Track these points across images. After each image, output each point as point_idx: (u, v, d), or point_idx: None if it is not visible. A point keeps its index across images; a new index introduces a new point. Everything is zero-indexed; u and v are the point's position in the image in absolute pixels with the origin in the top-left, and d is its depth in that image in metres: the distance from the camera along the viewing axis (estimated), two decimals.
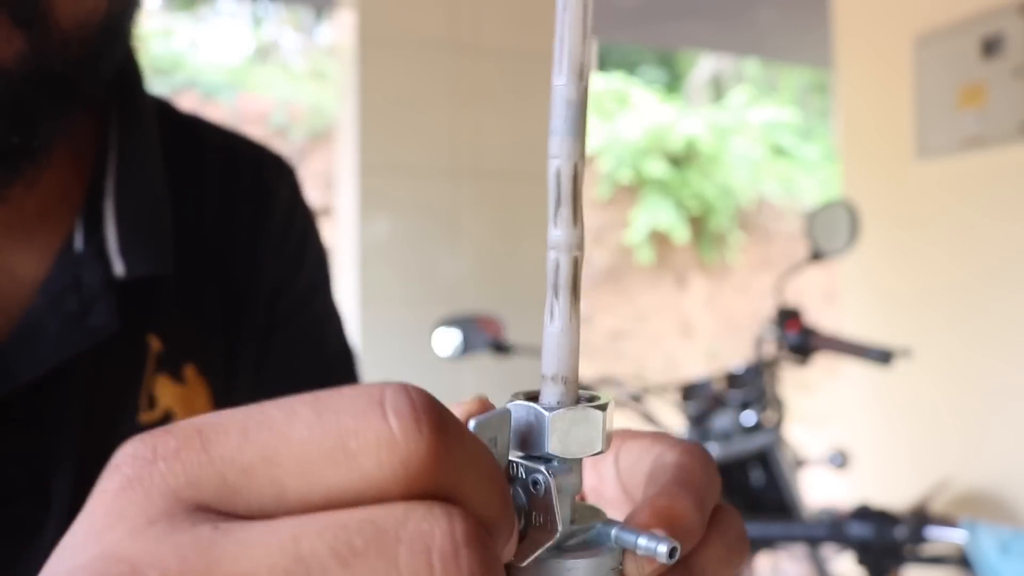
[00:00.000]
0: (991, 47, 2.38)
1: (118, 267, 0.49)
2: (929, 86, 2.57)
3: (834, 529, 1.47)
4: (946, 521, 1.42)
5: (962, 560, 1.40)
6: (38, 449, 0.46)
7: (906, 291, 2.64)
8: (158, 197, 0.52)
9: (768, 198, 9.36)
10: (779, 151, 9.76)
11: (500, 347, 1.77)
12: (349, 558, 0.17)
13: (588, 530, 0.25)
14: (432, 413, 0.19)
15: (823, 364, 2.60)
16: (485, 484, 0.20)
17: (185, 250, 0.54)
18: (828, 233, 1.90)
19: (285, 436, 0.19)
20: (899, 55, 2.65)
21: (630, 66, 10.15)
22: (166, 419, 0.51)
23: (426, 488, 0.19)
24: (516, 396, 0.25)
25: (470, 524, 0.18)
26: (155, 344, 0.52)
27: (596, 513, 0.26)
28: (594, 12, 0.24)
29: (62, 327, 0.47)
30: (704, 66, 10.62)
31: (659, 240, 8.50)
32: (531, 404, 0.25)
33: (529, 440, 0.25)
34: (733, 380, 1.94)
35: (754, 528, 1.54)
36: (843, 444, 2.38)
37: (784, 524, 1.68)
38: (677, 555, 0.23)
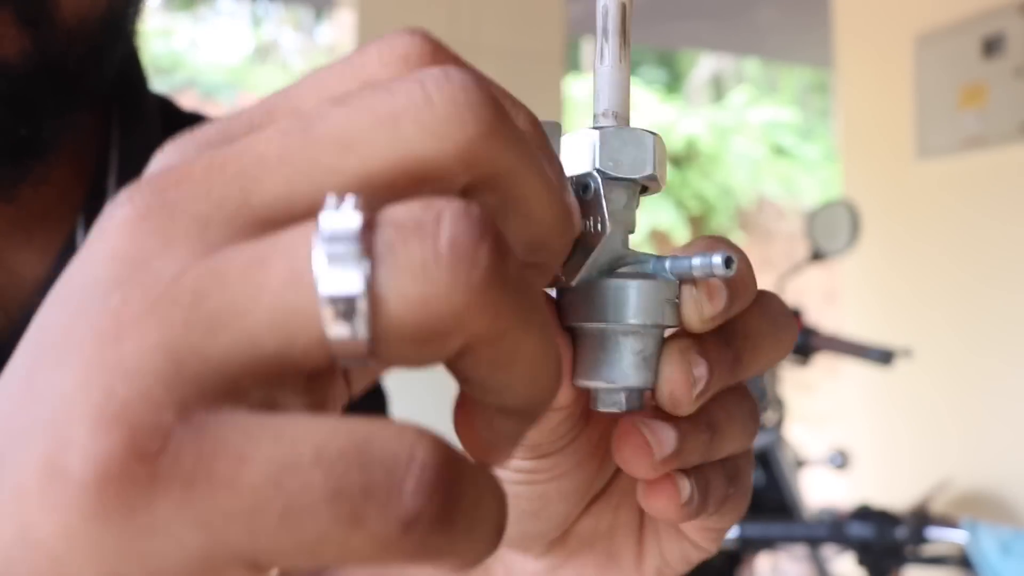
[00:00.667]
0: (992, 47, 2.38)
1: None
2: (929, 86, 2.57)
3: (834, 529, 1.47)
4: (947, 521, 1.42)
5: (963, 561, 1.40)
6: None
7: (906, 291, 2.64)
8: None
9: (768, 198, 9.36)
10: (779, 151, 9.75)
11: None
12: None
13: (643, 263, 0.25)
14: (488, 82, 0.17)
15: (823, 364, 2.60)
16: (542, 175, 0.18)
17: None
18: (828, 233, 1.90)
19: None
20: (899, 55, 2.65)
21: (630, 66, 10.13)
22: None
23: (476, 169, 0.17)
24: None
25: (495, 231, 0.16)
26: None
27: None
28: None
29: None
30: (704, 66, 10.61)
31: (659, 240, 8.50)
32: (582, 129, 0.24)
33: (579, 160, 0.24)
34: None
35: (754, 528, 1.54)
36: (843, 444, 2.38)
37: (784, 524, 1.68)
38: (733, 266, 0.22)
